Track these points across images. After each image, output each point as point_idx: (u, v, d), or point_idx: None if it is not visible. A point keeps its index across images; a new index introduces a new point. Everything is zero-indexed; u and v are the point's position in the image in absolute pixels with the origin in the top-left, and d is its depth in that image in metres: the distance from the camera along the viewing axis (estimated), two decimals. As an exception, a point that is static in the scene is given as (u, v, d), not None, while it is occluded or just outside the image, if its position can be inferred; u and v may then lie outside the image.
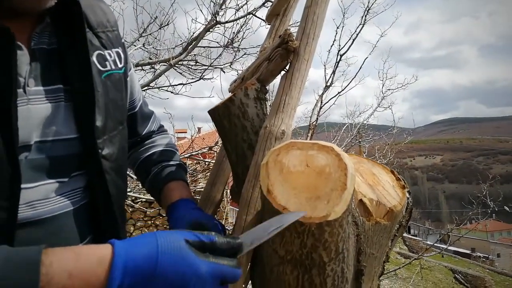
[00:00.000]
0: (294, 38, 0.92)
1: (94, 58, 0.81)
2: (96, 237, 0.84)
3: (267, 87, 1.00)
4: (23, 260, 0.47)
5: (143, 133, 1.10)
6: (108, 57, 0.85)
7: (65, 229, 0.75)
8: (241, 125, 0.95)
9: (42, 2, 0.67)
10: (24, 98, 0.69)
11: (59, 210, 0.74)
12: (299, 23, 0.97)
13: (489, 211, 5.56)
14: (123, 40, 0.94)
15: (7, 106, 0.64)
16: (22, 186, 0.66)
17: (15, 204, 0.64)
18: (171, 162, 1.07)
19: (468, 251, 26.81)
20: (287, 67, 0.94)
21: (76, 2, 0.78)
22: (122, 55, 0.91)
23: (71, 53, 0.78)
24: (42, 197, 0.71)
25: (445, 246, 6.52)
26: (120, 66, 0.89)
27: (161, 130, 1.18)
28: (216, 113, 0.99)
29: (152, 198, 1.11)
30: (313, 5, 0.95)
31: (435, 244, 7.05)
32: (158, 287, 0.51)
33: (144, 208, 5.22)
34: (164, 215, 6.77)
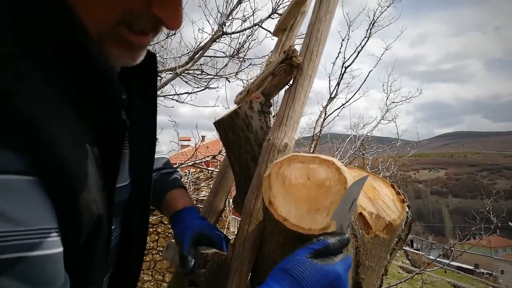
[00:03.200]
0: (298, 54, 0.95)
1: (157, 104, 0.82)
2: (119, 267, 0.83)
3: (271, 101, 1.03)
4: None
5: None
6: None
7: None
8: (245, 137, 0.97)
9: (135, 60, 0.63)
10: None
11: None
12: (303, 40, 1.00)
13: (492, 227, 5.52)
14: None
15: (114, 189, 0.64)
16: None
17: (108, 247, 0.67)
18: (168, 170, 1.08)
19: (471, 267, 26.47)
20: (290, 82, 0.97)
21: (154, 55, 0.76)
22: None
23: (139, 100, 0.76)
24: None
25: (447, 261, 6.46)
26: None
27: None
28: (221, 125, 1.01)
29: (152, 206, 1.12)
30: (317, 23, 0.98)
31: (438, 259, 6.98)
32: None
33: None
34: (166, 222, 6.75)
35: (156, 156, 1.09)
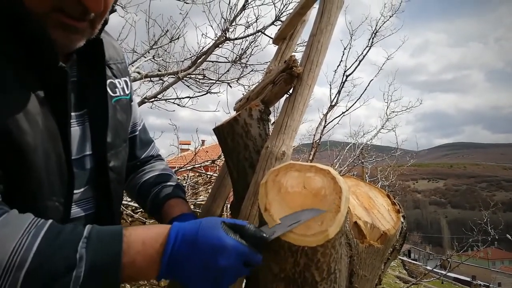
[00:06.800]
0: (298, 64, 0.96)
1: (106, 86, 0.95)
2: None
3: (270, 109, 1.04)
4: (110, 233, 0.64)
5: (142, 156, 1.20)
6: (118, 85, 1.00)
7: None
8: (244, 144, 0.98)
9: (72, 42, 0.79)
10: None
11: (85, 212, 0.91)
12: (304, 50, 1.01)
13: (490, 239, 5.51)
14: (129, 68, 1.07)
15: (67, 128, 0.81)
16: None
17: (70, 203, 0.83)
18: (170, 183, 1.14)
19: (468, 279, 26.35)
20: (290, 91, 0.99)
21: (100, 41, 0.90)
22: (129, 83, 1.06)
23: (91, 82, 0.92)
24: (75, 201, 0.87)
25: (445, 272, 6.44)
26: (127, 92, 1.04)
27: (159, 158, 1.26)
28: (220, 131, 1.03)
29: (154, 219, 1.18)
30: (318, 34, 1.00)
31: (435, 270, 6.96)
32: (198, 253, 0.65)
33: (144, 219, 5.21)
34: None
35: (160, 172, 1.17)
